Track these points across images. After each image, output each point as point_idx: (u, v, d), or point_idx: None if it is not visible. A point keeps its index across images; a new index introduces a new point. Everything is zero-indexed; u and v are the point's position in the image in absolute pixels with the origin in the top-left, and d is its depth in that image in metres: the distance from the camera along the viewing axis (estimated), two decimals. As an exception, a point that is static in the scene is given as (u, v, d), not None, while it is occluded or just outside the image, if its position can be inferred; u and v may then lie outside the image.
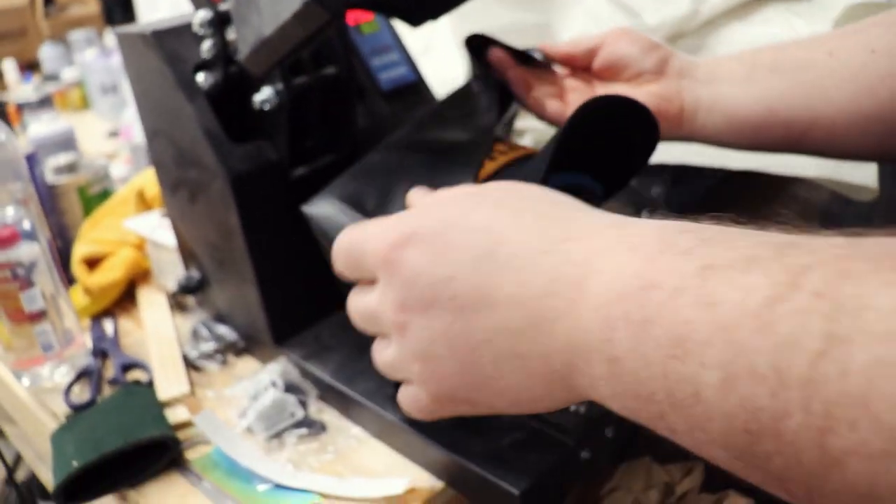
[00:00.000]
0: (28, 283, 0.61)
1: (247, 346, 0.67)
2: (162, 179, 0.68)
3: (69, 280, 0.75)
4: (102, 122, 1.48)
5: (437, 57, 0.85)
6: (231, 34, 0.56)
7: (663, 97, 0.53)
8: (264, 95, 0.56)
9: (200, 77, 0.58)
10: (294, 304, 0.63)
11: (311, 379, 0.60)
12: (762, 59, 0.51)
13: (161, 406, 0.58)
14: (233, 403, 0.59)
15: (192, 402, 0.60)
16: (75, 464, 0.49)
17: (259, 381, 0.58)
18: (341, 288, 0.44)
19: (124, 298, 0.78)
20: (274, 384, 0.57)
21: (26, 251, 0.61)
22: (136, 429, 0.53)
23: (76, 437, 0.53)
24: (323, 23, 0.42)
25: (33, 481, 1.06)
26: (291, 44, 0.45)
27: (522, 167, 0.44)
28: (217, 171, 0.57)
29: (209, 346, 0.66)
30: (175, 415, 0.59)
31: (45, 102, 1.36)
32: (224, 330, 0.68)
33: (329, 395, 0.59)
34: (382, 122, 0.65)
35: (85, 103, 1.63)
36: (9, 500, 1.15)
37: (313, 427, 0.56)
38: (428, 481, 0.51)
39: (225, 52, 0.57)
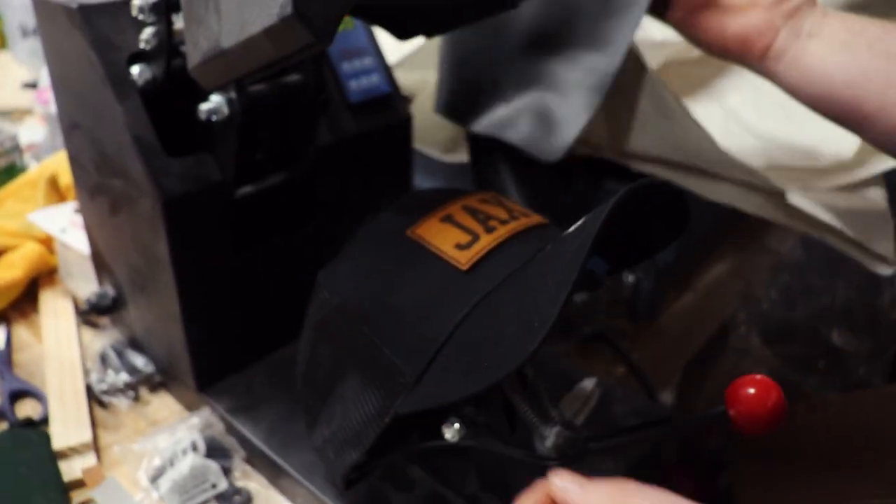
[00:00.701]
0: None
1: (164, 381, 0.58)
2: (78, 179, 0.57)
3: (-44, 276, 0.64)
4: (19, 69, 1.32)
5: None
6: (180, 22, 0.46)
7: (759, 31, 0.51)
8: (212, 105, 0.46)
9: (136, 70, 0.47)
10: (224, 346, 0.54)
11: (238, 437, 0.51)
12: (867, 33, 0.50)
13: (55, 459, 0.49)
14: (143, 459, 0.50)
15: (93, 473, 0.49)
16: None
17: (177, 441, 0.49)
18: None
19: (23, 300, 0.67)
20: (194, 447, 0.49)
21: None
22: (20, 497, 0.44)
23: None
24: (303, 46, 0.33)
25: None
26: (257, 64, 0.36)
27: (545, 254, 0.35)
28: (146, 189, 0.47)
29: (119, 378, 0.56)
30: (71, 469, 0.49)
31: (-49, 39, 1.19)
32: (139, 361, 0.58)
33: (258, 459, 0.50)
34: (346, 139, 0.56)
35: (3, 42, 1.45)
36: None
37: (236, 500, 0.48)
38: (368, 581, 0.43)
39: (169, 44, 0.47)
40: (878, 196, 0.62)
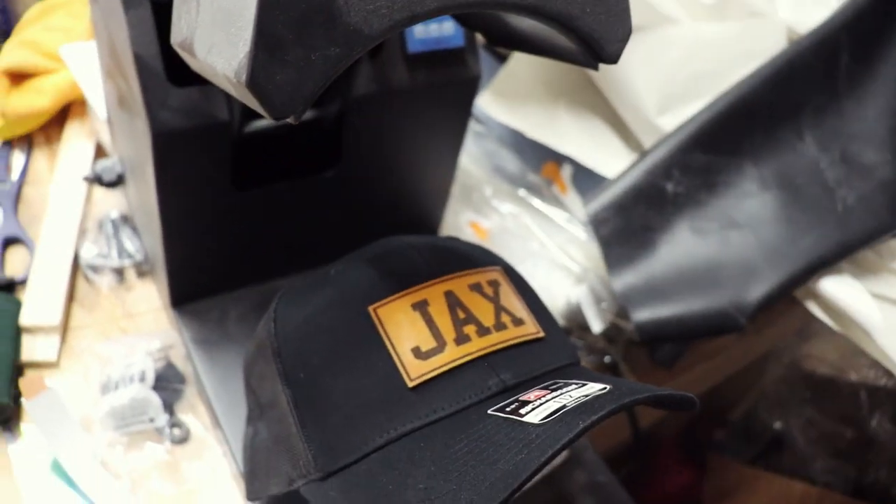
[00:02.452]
0: None
1: (151, 271, 0.57)
2: (100, 51, 0.51)
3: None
4: None
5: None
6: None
7: None
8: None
9: (152, -27, 0.40)
10: (207, 273, 0.52)
11: (194, 371, 0.50)
12: None
13: (18, 333, 0.49)
14: (103, 361, 0.50)
15: (32, 383, 0.47)
16: None
17: (129, 364, 0.48)
18: None
19: (52, 125, 0.65)
20: (142, 377, 0.48)
21: None
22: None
23: None
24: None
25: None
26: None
27: (506, 415, 0.29)
28: (140, 114, 0.42)
29: (109, 261, 0.55)
30: (33, 348, 0.50)
31: None
32: (132, 244, 0.56)
33: (205, 399, 0.50)
34: (393, 93, 0.48)
35: None
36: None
37: (173, 436, 0.48)
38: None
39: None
40: None
